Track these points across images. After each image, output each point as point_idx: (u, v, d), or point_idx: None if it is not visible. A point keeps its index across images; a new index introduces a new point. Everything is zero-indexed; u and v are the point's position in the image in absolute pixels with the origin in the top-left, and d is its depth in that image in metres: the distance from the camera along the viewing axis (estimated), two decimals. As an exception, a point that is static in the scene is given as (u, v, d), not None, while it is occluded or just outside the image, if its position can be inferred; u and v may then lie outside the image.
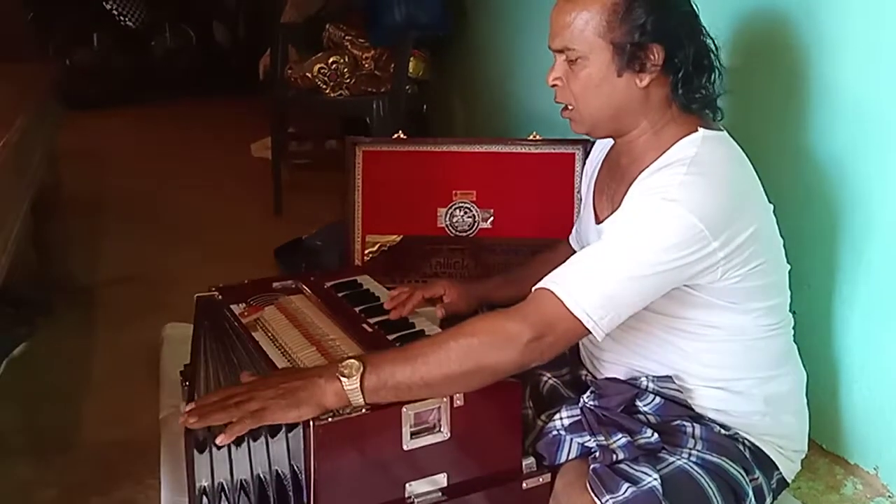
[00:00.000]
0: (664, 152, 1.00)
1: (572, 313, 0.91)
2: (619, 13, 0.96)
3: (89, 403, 1.54)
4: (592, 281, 0.92)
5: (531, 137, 1.89)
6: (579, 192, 1.84)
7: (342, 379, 0.89)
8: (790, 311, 1.09)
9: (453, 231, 1.90)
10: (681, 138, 1.00)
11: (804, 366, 1.12)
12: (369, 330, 1.16)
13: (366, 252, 1.93)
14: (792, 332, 1.10)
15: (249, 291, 1.31)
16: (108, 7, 4.24)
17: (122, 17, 4.28)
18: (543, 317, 0.92)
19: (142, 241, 2.39)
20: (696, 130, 1.00)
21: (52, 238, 2.04)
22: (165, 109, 4.12)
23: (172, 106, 4.16)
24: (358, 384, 0.89)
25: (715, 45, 1.01)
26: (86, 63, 4.18)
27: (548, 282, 0.94)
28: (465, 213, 1.91)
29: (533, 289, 0.96)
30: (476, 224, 1.91)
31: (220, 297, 1.28)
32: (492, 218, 1.89)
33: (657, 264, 0.92)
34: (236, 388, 0.93)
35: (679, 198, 0.92)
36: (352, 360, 0.90)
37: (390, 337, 1.15)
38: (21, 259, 1.91)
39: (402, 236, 1.91)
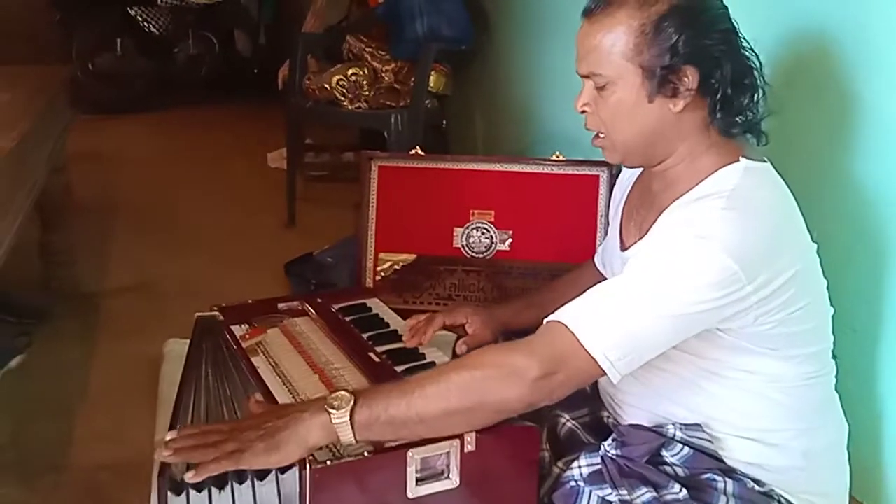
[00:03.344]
0: (701, 181, 0.92)
1: (587, 351, 0.83)
2: (648, 34, 0.88)
3: (83, 420, 1.48)
4: (611, 317, 0.84)
5: (554, 157, 1.82)
6: (603, 215, 1.78)
7: (331, 412, 0.82)
8: (832, 356, 1.00)
9: (469, 252, 1.84)
10: (720, 167, 0.92)
11: (846, 416, 1.04)
12: (376, 360, 1.10)
13: (378, 270, 1.87)
14: (834, 380, 1.02)
15: (253, 312, 1.25)
16: (133, 13, 4.26)
17: (146, 24, 4.29)
18: (554, 352, 0.84)
19: (152, 249, 2.35)
20: (738, 160, 0.92)
21: (60, 244, 2.00)
22: (185, 116, 4.12)
23: (192, 113, 4.16)
24: (347, 418, 0.82)
25: (759, 61, 0.93)
26: (108, 68, 4.20)
27: (561, 314, 0.87)
28: (483, 233, 1.84)
29: (545, 321, 0.88)
30: (493, 246, 1.84)
31: (221, 317, 1.22)
32: (510, 240, 1.83)
33: (684, 305, 0.84)
34: (219, 425, 0.87)
35: (714, 235, 0.84)
36: (342, 392, 0.83)
37: (398, 368, 1.08)
38: (25, 266, 1.87)
39: (416, 256, 1.85)
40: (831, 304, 0.99)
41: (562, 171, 1.80)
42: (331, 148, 3.24)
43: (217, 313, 1.23)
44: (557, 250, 1.79)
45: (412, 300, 1.84)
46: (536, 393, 0.84)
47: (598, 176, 1.78)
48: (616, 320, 0.84)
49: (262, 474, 0.84)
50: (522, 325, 1.19)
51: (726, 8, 0.92)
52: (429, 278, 1.84)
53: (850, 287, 1.13)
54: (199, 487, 0.80)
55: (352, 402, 0.82)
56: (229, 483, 0.82)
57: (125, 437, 1.40)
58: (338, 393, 0.83)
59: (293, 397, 1.02)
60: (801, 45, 1.21)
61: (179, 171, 3.21)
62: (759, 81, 0.92)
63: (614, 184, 1.20)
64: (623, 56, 0.90)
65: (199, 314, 1.21)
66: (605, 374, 0.84)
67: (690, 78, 0.89)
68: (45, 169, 1.73)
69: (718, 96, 0.90)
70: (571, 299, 1.18)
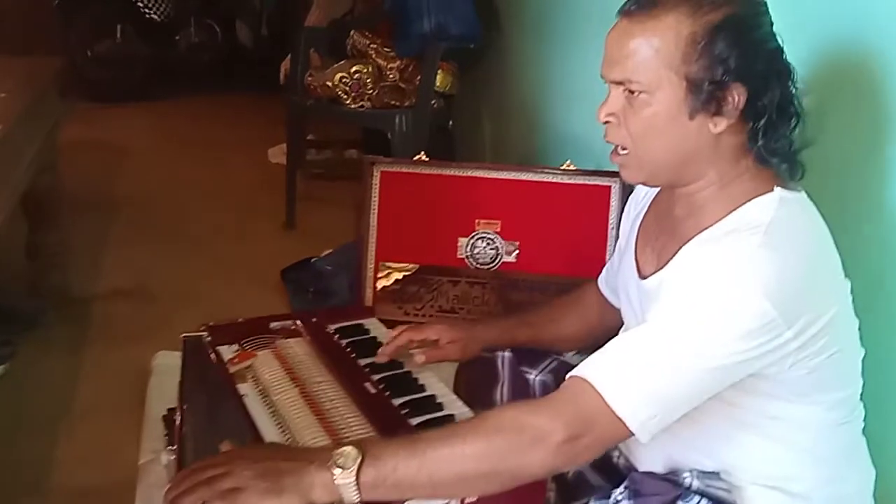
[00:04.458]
0: (731, 212, 0.85)
1: (614, 412, 0.77)
2: (699, 44, 0.80)
3: (67, 438, 1.42)
4: (639, 374, 0.77)
5: (564, 166, 1.74)
6: (614, 227, 1.70)
7: (335, 471, 0.76)
8: (860, 399, 0.93)
9: (474, 263, 1.77)
10: (753, 197, 0.84)
11: (873, 461, 0.97)
12: (372, 391, 1.04)
13: (379, 277, 1.80)
14: (862, 424, 0.95)
15: (243, 332, 1.18)
16: (134, -1, 4.17)
17: (147, 10, 4.20)
18: (580, 413, 0.77)
19: (147, 249, 2.28)
20: (772, 189, 0.85)
21: (50, 245, 1.93)
22: (185, 106, 4.04)
23: (193, 102, 4.08)
24: (353, 478, 0.76)
25: (797, 88, 0.86)
26: (107, 55, 4.12)
27: (585, 370, 0.80)
28: (488, 244, 1.77)
29: (567, 376, 0.81)
30: (499, 257, 1.77)
31: (209, 337, 1.15)
32: (517, 251, 1.76)
33: (718, 358, 0.77)
34: (213, 459, 0.81)
35: (750, 276, 0.77)
36: (349, 449, 0.77)
37: (396, 401, 1.02)
38: (12, 268, 1.80)
39: (418, 266, 1.78)
40: (861, 344, 0.92)
41: (572, 181, 1.73)
42: (333, 144, 3.16)
43: (204, 333, 1.16)
44: (566, 263, 1.72)
45: (413, 312, 1.77)
46: (560, 458, 0.78)
47: (609, 187, 1.70)
48: (645, 377, 0.77)
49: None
50: (515, 344, 1.13)
51: (773, 25, 0.85)
52: (431, 290, 1.77)
53: (879, 323, 1.05)
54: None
55: (358, 461, 0.76)
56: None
57: (111, 455, 1.34)
58: (343, 449, 0.77)
59: (282, 433, 0.96)
60: (837, 61, 1.13)
61: (178, 166, 3.14)
62: (799, 109, 0.85)
63: (627, 196, 1.11)
64: (667, 65, 0.81)
65: (185, 335, 1.14)
66: (635, 435, 0.78)
67: (738, 97, 0.81)
68: (31, 167, 1.66)
69: (763, 122, 0.82)
70: (570, 323, 1.13)
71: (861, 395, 0.94)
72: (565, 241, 1.71)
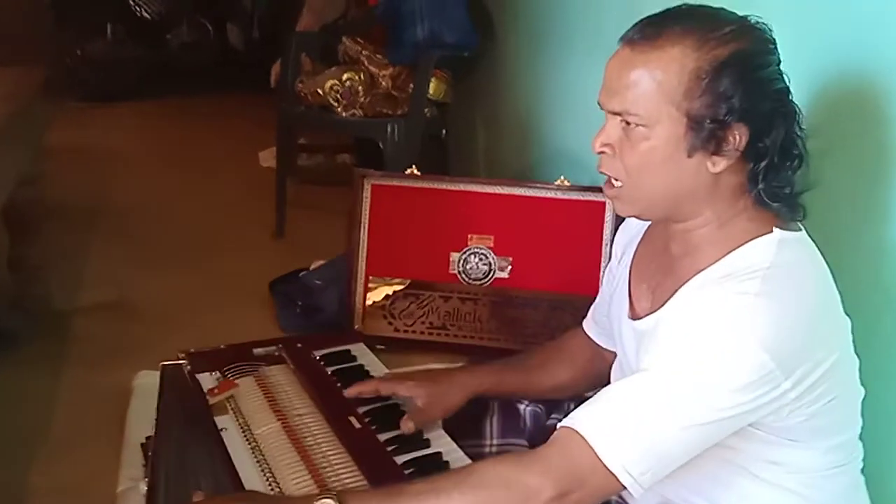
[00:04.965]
0: (729, 253, 0.81)
1: (606, 467, 0.74)
2: (703, 80, 0.76)
3: (45, 463, 1.37)
4: (633, 427, 0.74)
5: (559, 182, 1.71)
6: (608, 244, 1.67)
7: None
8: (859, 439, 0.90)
9: (466, 279, 1.74)
10: (752, 238, 0.81)
11: (872, 502, 0.94)
12: (357, 426, 1.00)
13: (368, 292, 1.76)
14: (861, 464, 0.92)
15: (225, 359, 1.15)
16: (126, -3, 4.11)
17: (138, 8, 4.15)
18: (570, 468, 0.75)
19: (132, 259, 2.23)
20: (771, 231, 0.81)
21: (32, 256, 1.88)
22: (176, 106, 3.98)
23: (184, 102, 4.02)
24: None
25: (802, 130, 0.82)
26: (98, 54, 4.06)
27: (577, 422, 0.76)
28: (481, 259, 1.74)
29: (558, 426, 0.78)
30: (492, 273, 1.74)
31: (188, 366, 1.11)
32: (510, 267, 1.73)
33: (715, 411, 0.74)
34: None
35: (747, 327, 0.74)
36: (329, 502, 0.75)
37: (382, 437, 0.99)
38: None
39: (409, 281, 1.75)
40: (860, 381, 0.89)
41: (566, 197, 1.70)
42: (324, 149, 3.12)
43: (184, 361, 1.13)
44: (559, 279, 1.70)
45: (404, 329, 1.75)
46: None
47: (603, 203, 1.68)
48: (639, 431, 0.74)
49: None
50: (506, 392, 1.08)
51: (780, 63, 0.81)
52: (422, 306, 1.74)
53: (877, 360, 1.02)
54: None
55: None
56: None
57: (89, 484, 1.30)
58: (323, 502, 0.74)
59: (262, 471, 0.93)
60: (840, 91, 1.09)
61: (166, 170, 3.09)
62: (803, 151, 0.81)
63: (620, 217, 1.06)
64: (669, 100, 0.77)
65: (163, 363, 1.10)
66: (627, 489, 0.75)
67: (739, 137, 0.78)
68: (13, 179, 1.62)
69: (763, 164, 0.78)
70: (562, 370, 1.09)
71: (860, 434, 0.91)
72: (559, 258, 1.69)
